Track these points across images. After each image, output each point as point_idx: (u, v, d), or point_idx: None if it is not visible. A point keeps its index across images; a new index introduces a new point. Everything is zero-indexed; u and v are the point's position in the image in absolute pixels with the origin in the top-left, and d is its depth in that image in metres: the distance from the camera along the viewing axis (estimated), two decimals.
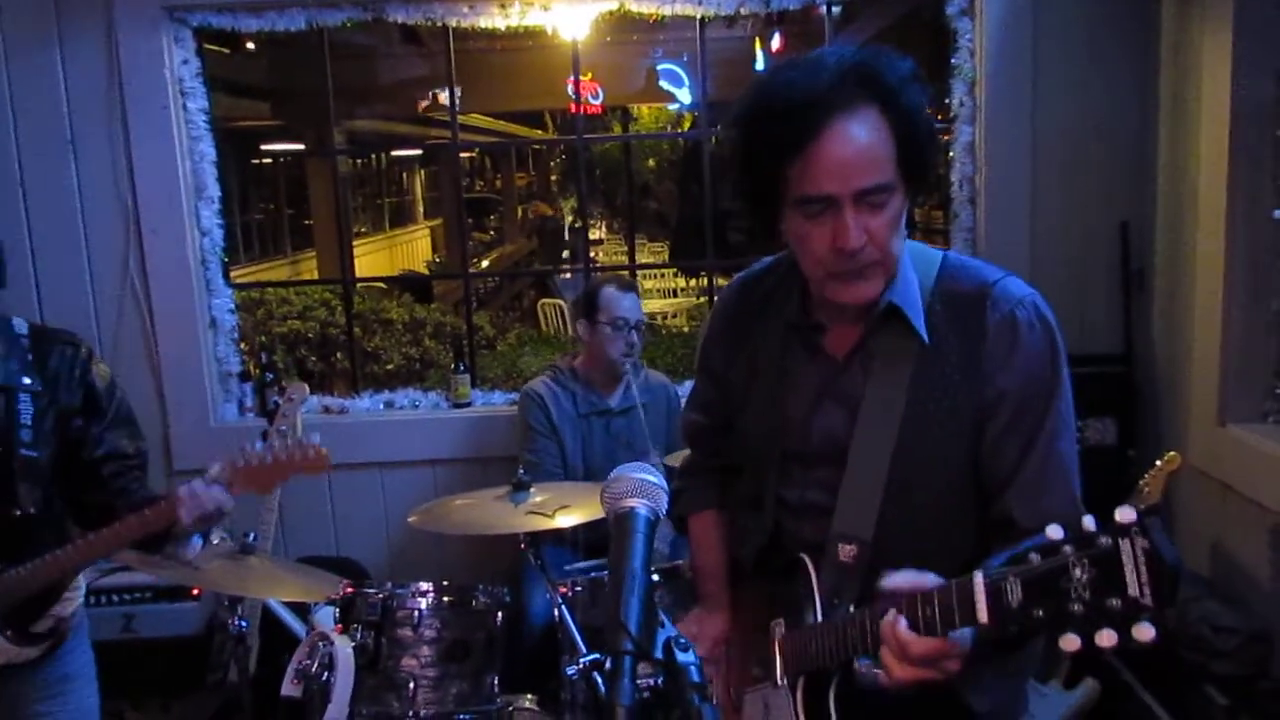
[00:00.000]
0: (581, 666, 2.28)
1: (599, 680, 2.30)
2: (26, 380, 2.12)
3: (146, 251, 3.69)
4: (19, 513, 2.09)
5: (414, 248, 13.72)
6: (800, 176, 1.28)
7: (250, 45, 6.89)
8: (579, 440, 3.29)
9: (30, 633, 2.17)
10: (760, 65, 7.92)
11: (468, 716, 2.41)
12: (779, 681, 1.44)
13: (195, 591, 3.49)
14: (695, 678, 1.00)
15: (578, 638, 2.36)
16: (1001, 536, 1.15)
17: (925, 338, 1.38)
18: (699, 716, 0.96)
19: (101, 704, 3.08)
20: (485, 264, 12.89)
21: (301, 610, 3.36)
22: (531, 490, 2.41)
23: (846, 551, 1.38)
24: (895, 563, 1.23)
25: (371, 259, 10.91)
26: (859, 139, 1.26)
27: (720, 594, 1.64)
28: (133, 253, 3.69)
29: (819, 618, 1.39)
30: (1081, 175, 3.60)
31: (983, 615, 1.05)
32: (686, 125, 10.82)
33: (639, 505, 1.08)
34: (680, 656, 1.01)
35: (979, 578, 1.06)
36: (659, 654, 1.01)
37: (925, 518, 1.38)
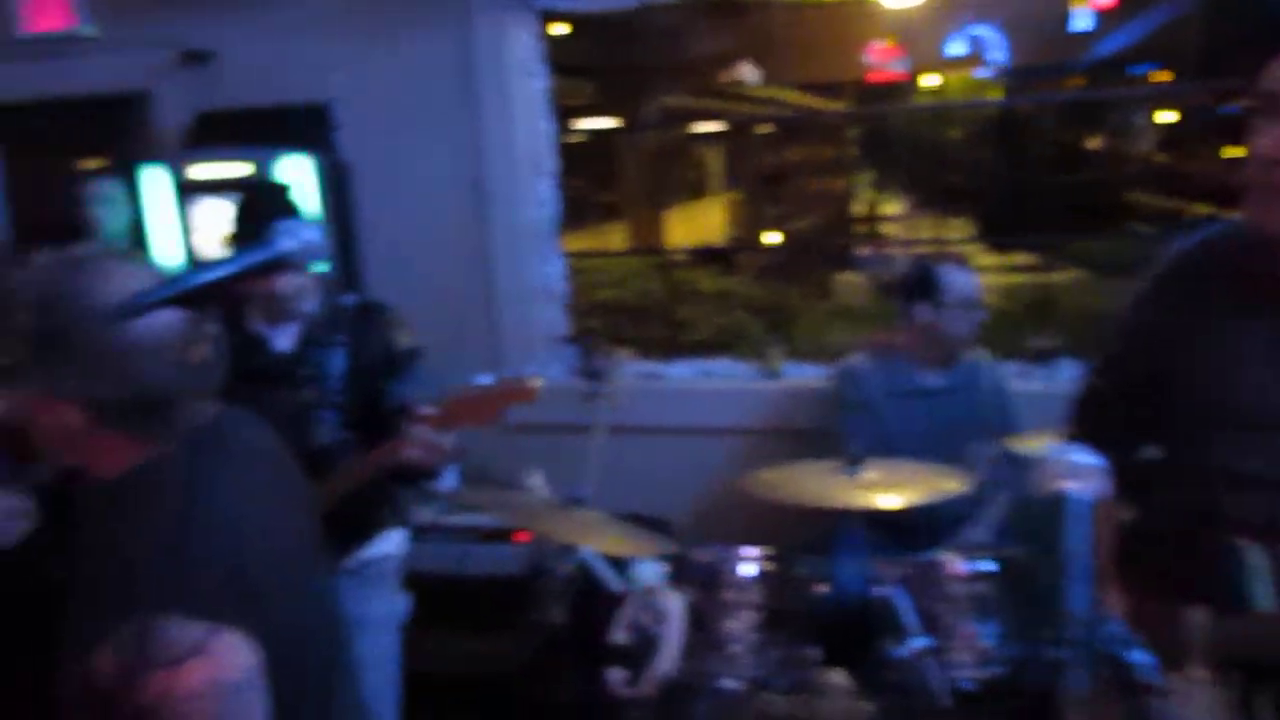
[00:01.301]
0: (914, 650, 2.28)
1: (928, 666, 2.30)
2: (341, 339, 2.55)
3: (490, 223, 3.97)
4: (317, 445, 2.48)
5: (709, 221, 13.93)
6: (1269, 70, 1.26)
7: (561, 27, 7.23)
8: (898, 420, 3.23)
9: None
10: (1077, 26, 7.39)
11: (784, 684, 2.46)
12: (1198, 673, 1.35)
13: (520, 536, 3.76)
14: (1146, 678, 0.95)
15: (910, 621, 2.33)
16: None
17: None
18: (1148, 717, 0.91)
19: (429, 633, 3.40)
20: (777, 238, 12.89)
21: (618, 564, 3.55)
22: (865, 465, 2.41)
23: None
24: None
25: (670, 231, 11.20)
26: None
27: (1113, 572, 1.56)
28: (477, 224, 3.99)
29: (1268, 608, 1.28)
30: None
31: None
32: (997, 93, 10.27)
33: (1076, 487, 1.05)
34: (1129, 654, 0.97)
35: None
36: (1105, 645, 0.97)
37: None
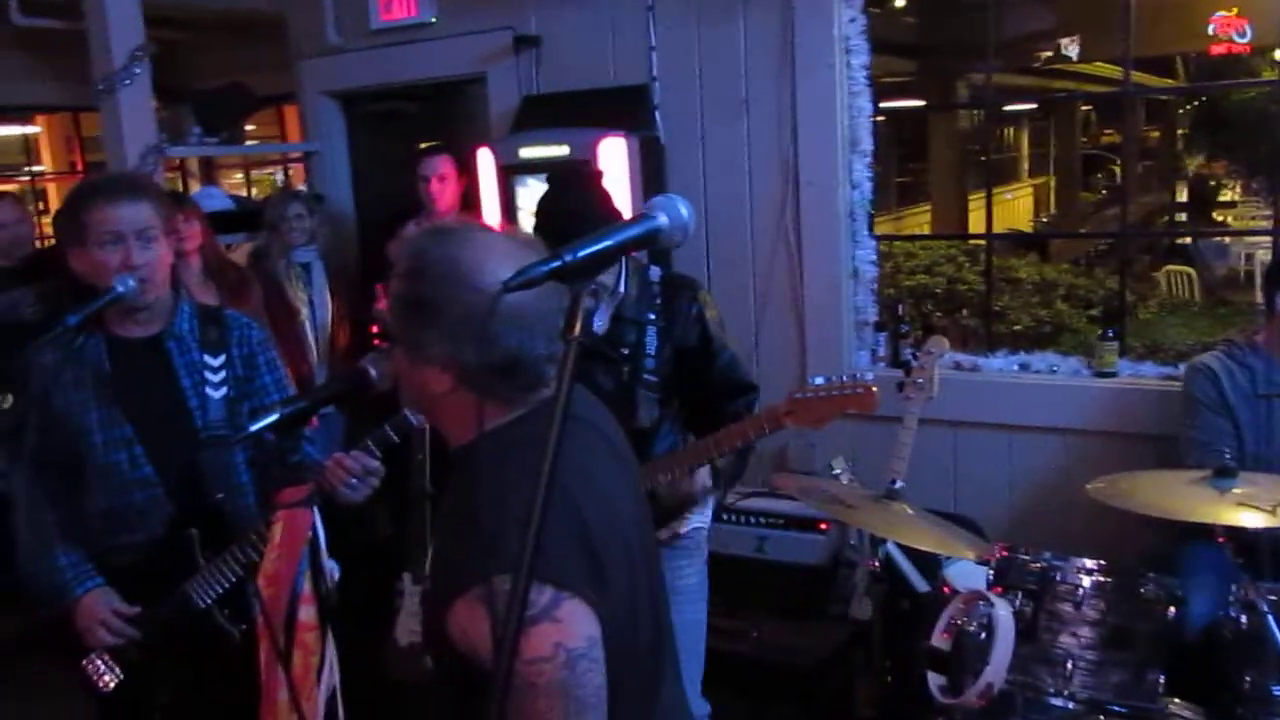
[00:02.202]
0: None
1: None
2: (652, 316, 2.53)
3: (801, 203, 3.90)
4: (638, 426, 2.48)
5: (1015, 206, 13.20)
6: None
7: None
8: (1256, 425, 2.87)
9: None
10: None
11: (1123, 710, 2.25)
12: None
13: (823, 525, 3.67)
14: None
15: None
16: None
17: None
18: None
19: (728, 617, 3.38)
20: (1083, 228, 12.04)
21: (921, 563, 3.40)
22: (1237, 478, 2.15)
23: None
24: None
25: (975, 215, 10.70)
26: None
27: None
28: (789, 204, 3.93)
29: None
30: None
31: None
32: None
33: None
34: None
35: None
36: None
37: None
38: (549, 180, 2.62)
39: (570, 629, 1.28)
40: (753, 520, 3.79)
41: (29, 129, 8.61)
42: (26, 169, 8.91)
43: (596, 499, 1.42)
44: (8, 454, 2.32)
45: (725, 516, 3.74)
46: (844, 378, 2.35)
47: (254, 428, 1.70)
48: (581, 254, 1.12)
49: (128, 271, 2.16)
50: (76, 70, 4.69)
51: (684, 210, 1.19)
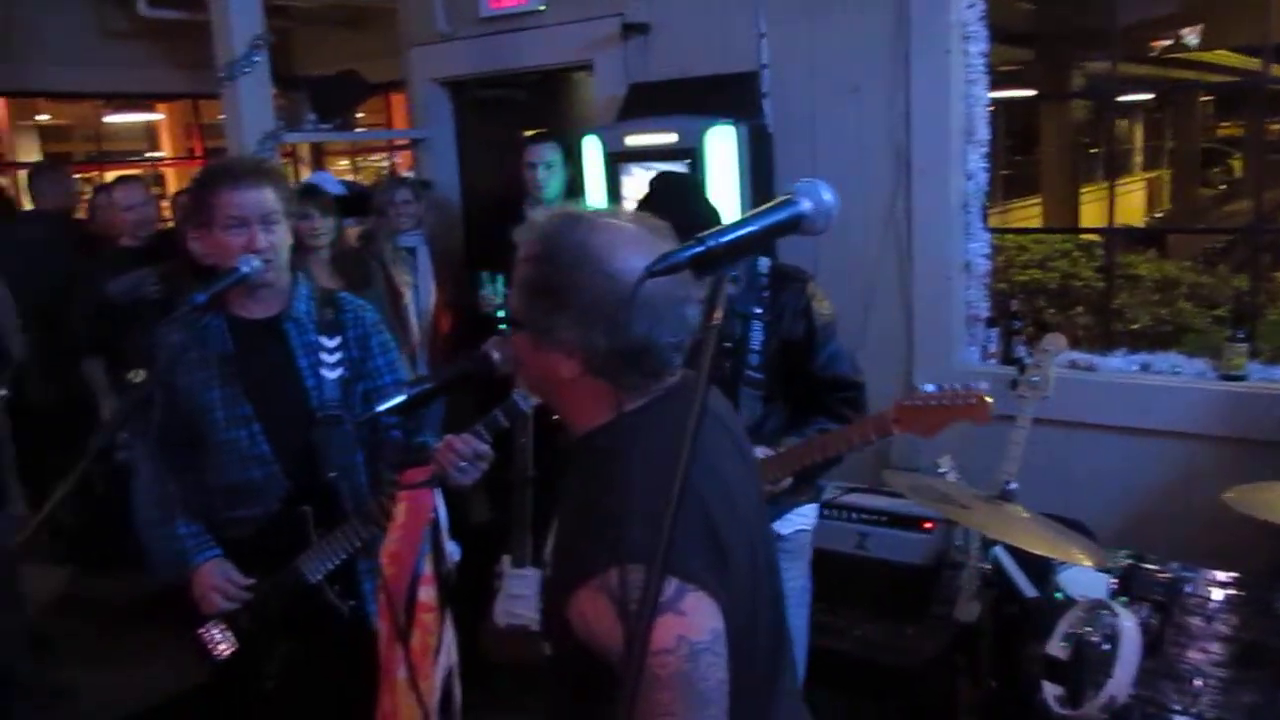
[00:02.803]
0: None
1: None
2: (759, 310, 2.47)
3: (913, 193, 3.81)
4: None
5: (1127, 200, 12.74)
6: None
7: None
8: None
9: None
10: None
11: None
12: None
13: (927, 524, 3.58)
14: None
15: None
16: None
17: None
18: None
19: (828, 613, 3.32)
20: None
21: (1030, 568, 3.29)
22: None
23: None
24: None
25: (1086, 209, 10.37)
26: None
27: None
28: (900, 194, 3.84)
29: None
30: None
31: None
32: None
33: None
34: None
35: None
36: None
37: None
38: (650, 187, 2.57)
39: (694, 622, 1.26)
40: (854, 516, 3.71)
41: (151, 116, 8.92)
42: (146, 154, 9.24)
43: (721, 493, 1.39)
44: (133, 427, 2.40)
45: (826, 511, 3.67)
46: (956, 386, 2.23)
47: (381, 408, 1.71)
48: (725, 240, 1.09)
49: (252, 254, 2.20)
50: (197, 59, 4.82)
51: (827, 195, 1.15)
